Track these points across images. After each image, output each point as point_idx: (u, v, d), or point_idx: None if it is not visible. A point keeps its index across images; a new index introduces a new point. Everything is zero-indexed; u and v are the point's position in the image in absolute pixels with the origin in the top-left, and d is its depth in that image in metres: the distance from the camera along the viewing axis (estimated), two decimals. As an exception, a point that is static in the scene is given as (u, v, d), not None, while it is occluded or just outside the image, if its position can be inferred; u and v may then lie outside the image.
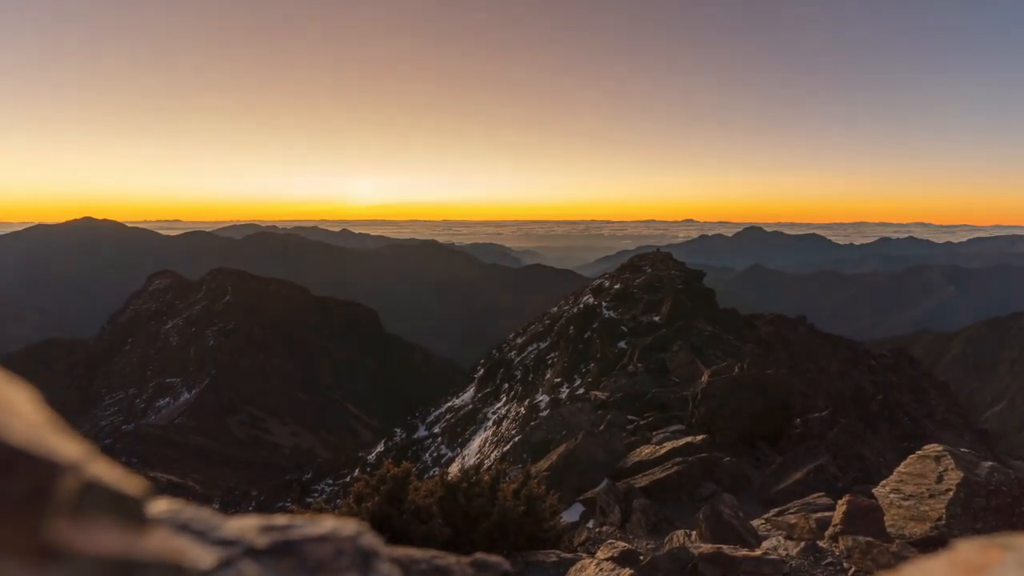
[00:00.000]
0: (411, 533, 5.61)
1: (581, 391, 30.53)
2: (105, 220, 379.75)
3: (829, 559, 6.15)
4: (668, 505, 10.48)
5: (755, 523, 7.86)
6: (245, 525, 1.02)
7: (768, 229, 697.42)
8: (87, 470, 0.94)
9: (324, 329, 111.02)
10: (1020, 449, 58.98)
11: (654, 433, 14.88)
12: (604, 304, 43.13)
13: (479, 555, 1.43)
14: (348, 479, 50.13)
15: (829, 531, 6.56)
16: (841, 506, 6.55)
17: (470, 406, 46.88)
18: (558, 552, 6.19)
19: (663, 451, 12.26)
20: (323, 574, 1.00)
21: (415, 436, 49.39)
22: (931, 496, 5.86)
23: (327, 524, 1.03)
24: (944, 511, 5.66)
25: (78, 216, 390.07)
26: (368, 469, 47.06)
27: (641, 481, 11.09)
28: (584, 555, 6.65)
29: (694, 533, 7.71)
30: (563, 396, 32.10)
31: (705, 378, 16.19)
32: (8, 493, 0.93)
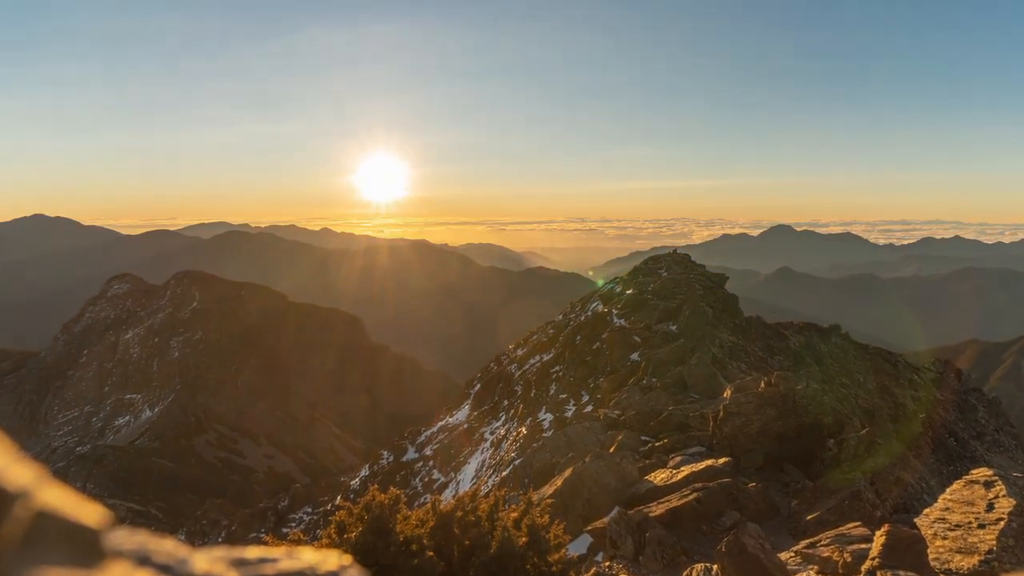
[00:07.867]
0: (400, 567, 5.59)
1: (589, 409, 30.54)
2: (59, 218, 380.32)
3: (867, 597, 6.14)
4: (686, 536, 10.47)
5: (783, 556, 7.84)
6: (214, 558, 1.02)
7: (798, 228, 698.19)
8: (38, 497, 0.95)
9: (302, 339, 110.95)
10: (1080, 473, 58.72)
11: (671, 456, 14.87)
12: (615, 312, 43.14)
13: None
14: (329, 507, 50.09)
15: (866, 565, 6.54)
16: (879, 537, 6.54)
17: (465, 425, 46.83)
18: (563, 589, 6.17)
19: (681, 476, 12.25)
20: (301, 613, 1.00)
21: (404, 459, 49.34)
22: (980, 526, 5.85)
23: (306, 557, 1.03)
24: (995, 542, 5.65)
25: (28, 213, 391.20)
26: (351, 496, 46.99)
27: (656, 509, 11.07)
28: (593, 592, 6.63)
29: (715, 567, 7.69)
30: (569, 414, 32.09)
31: (727, 394, 16.18)
32: (-50, 523, 0.93)
